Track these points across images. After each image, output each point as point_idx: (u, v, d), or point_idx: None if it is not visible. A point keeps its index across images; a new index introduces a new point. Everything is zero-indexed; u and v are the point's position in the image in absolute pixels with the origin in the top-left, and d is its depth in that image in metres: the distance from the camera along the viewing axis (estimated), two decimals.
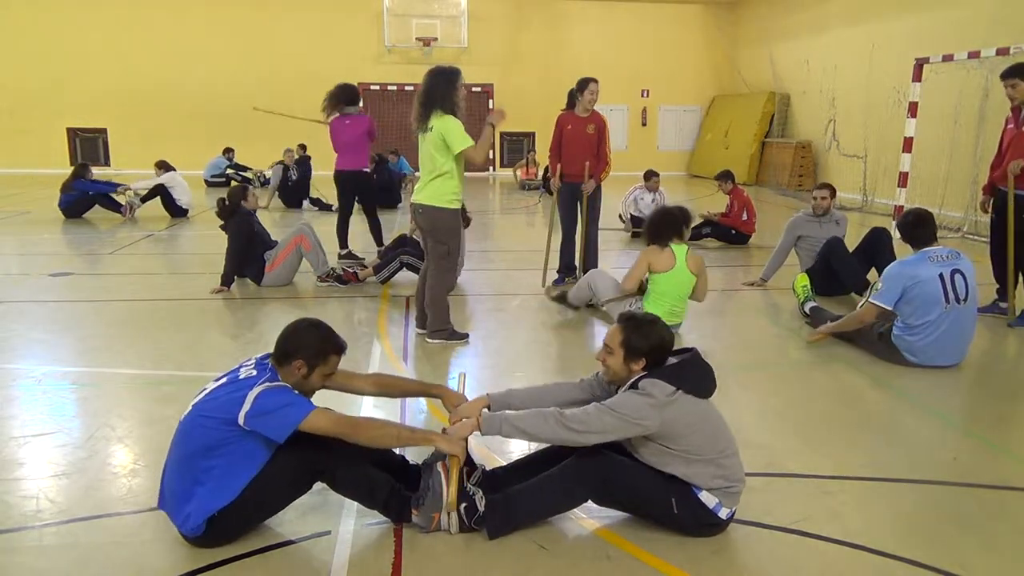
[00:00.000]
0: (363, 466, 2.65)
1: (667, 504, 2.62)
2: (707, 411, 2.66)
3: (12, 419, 3.71)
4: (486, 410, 2.77)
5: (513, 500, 2.65)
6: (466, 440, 2.72)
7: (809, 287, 5.74)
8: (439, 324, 4.99)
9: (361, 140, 7.63)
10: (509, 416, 2.64)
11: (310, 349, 2.65)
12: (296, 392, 2.60)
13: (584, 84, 6.34)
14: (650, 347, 2.66)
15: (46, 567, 2.49)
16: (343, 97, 7.53)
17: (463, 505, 2.62)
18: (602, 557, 2.56)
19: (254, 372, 2.62)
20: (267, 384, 2.54)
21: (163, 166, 11.34)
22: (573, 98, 6.49)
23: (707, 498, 2.62)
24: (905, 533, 2.75)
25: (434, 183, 4.77)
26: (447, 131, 4.64)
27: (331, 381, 2.80)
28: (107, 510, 2.85)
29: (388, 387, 3.08)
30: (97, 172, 14.69)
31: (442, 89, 4.69)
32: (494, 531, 2.62)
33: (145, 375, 4.40)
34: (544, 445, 2.85)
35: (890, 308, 4.59)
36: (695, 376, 2.66)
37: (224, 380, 2.65)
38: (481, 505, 2.62)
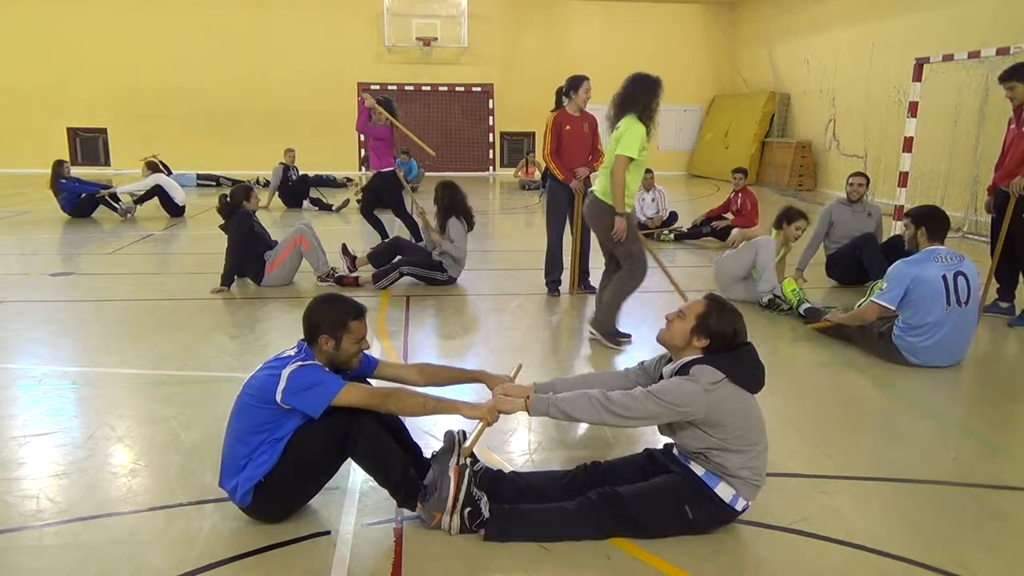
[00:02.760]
0: (386, 440, 2.72)
1: (682, 514, 2.62)
2: (750, 405, 2.67)
3: (12, 419, 3.71)
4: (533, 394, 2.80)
5: (520, 517, 2.65)
6: (497, 412, 2.76)
7: (798, 290, 5.74)
8: (606, 326, 5.06)
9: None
10: (556, 399, 2.68)
11: (329, 323, 2.76)
12: (327, 369, 2.72)
13: (578, 83, 6.30)
14: (721, 332, 2.68)
15: (46, 567, 2.49)
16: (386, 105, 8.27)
17: (467, 510, 2.62)
18: (602, 557, 2.56)
19: (292, 352, 2.76)
20: (300, 363, 2.66)
21: (152, 167, 11.34)
22: (561, 97, 6.47)
23: (723, 490, 2.63)
24: (905, 533, 2.75)
25: (602, 181, 4.92)
26: (625, 133, 4.75)
27: (380, 372, 3.00)
28: (107, 510, 2.85)
29: (433, 376, 3.14)
30: (97, 172, 14.76)
31: (639, 95, 4.77)
32: (492, 537, 2.62)
33: (145, 375, 4.40)
34: (552, 467, 2.93)
35: (893, 308, 4.58)
36: (746, 368, 2.67)
37: (270, 360, 2.79)
38: (486, 511, 2.62)
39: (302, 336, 2.82)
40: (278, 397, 2.60)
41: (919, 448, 3.54)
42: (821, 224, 6.76)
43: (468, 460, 2.73)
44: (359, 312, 2.83)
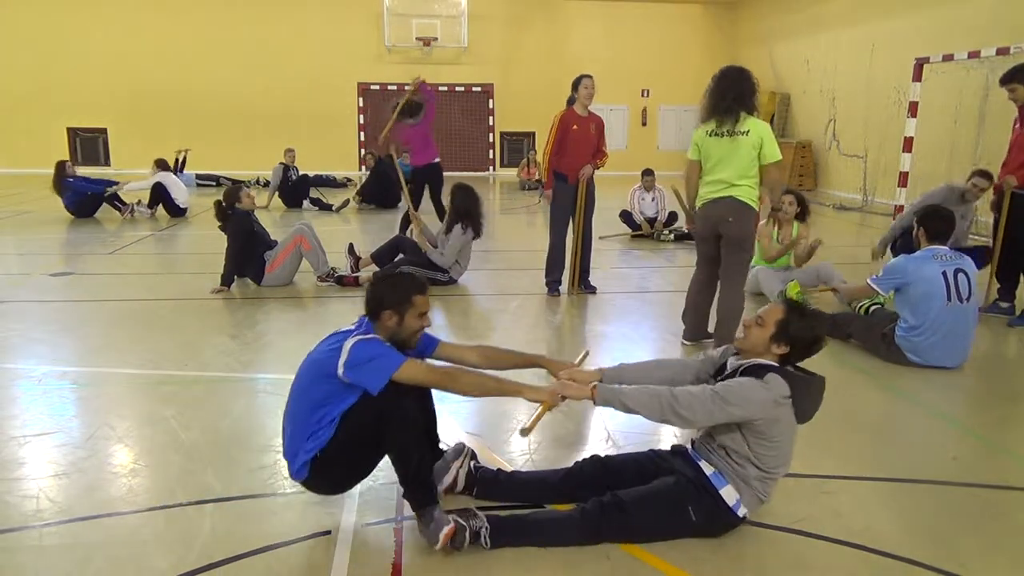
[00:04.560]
0: (419, 434, 2.67)
1: (685, 517, 2.61)
2: (792, 433, 2.66)
3: (12, 419, 3.71)
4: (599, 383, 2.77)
5: (518, 528, 2.62)
6: (559, 397, 2.74)
7: (802, 292, 5.74)
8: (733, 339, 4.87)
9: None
10: (623, 392, 2.64)
11: (393, 297, 2.74)
12: (388, 344, 2.70)
13: (578, 80, 6.31)
14: (803, 339, 2.64)
15: (46, 567, 2.49)
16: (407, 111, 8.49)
17: (465, 534, 2.55)
18: (602, 557, 2.55)
19: (352, 327, 2.76)
20: (361, 336, 2.66)
21: (161, 165, 11.35)
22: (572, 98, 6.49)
23: (728, 493, 2.62)
24: (905, 533, 2.75)
25: (747, 186, 4.59)
26: (768, 138, 4.54)
27: (441, 352, 2.98)
28: (107, 510, 2.85)
29: (494, 359, 3.12)
30: (97, 172, 14.74)
31: (749, 90, 4.54)
32: (492, 547, 2.58)
33: (145, 375, 4.40)
34: (552, 467, 2.95)
35: (883, 294, 4.76)
36: (810, 400, 2.64)
37: (329, 336, 2.79)
38: (486, 539, 2.56)
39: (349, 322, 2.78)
40: (339, 371, 2.58)
41: (919, 448, 3.54)
42: (925, 199, 6.31)
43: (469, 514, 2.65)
44: (423, 286, 2.81)
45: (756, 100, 4.57)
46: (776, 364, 2.64)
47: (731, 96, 4.50)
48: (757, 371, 2.60)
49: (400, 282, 2.81)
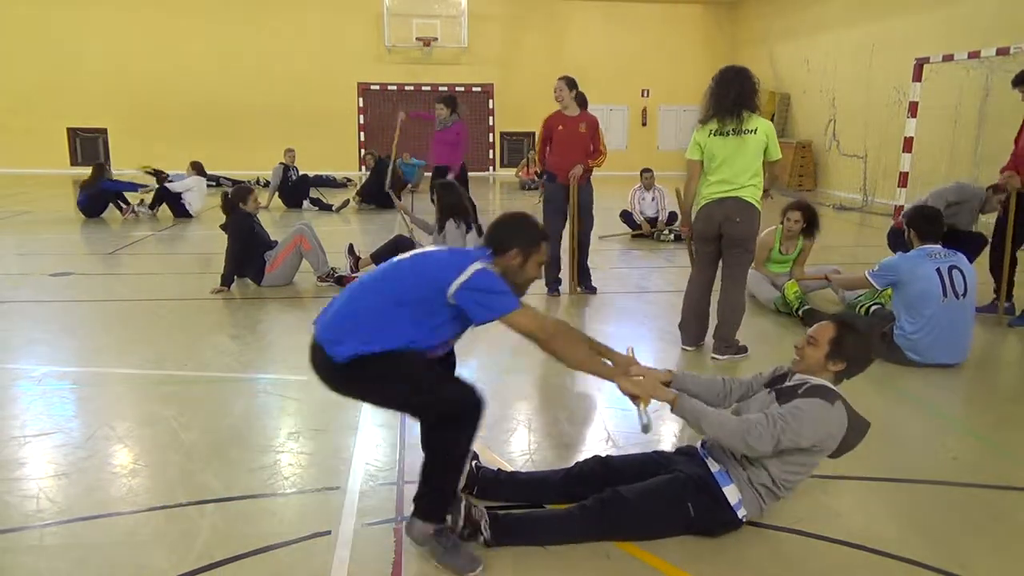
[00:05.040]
0: (471, 441, 2.52)
1: (684, 512, 2.61)
2: (817, 462, 2.68)
3: (12, 419, 3.70)
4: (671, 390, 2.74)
5: (519, 527, 2.63)
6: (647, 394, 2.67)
7: (800, 293, 5.73)
8: (734, 340, 4.78)
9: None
10: (699, 409, 2.61)
11: (525, 238, 2.65)
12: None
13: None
14: (856, 356, 2.68)
15: (46, 567, 2.49)
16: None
17: (467, 531, 2.55)
18: (602, 556, 2.55)
19: (473, 249, 2.67)
20: (489, 265, 2.55)
21: (197, 168, 11.43)
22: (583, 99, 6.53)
23: (731, 493, 2.62)
24: (905, 533, 2.75)
25: (753, 186, 4.56)
26: (773, 137, 4.55)
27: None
28: (107, 510, 2.85)
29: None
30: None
31: (750, 89, 4.51)
32: (492, 544, 2.58)
33: (145, 375, 4.40)
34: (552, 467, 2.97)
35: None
36: (854, 439, 2.66)
37: (449, 248, 2.70)
38: (486, 532, 2.55)
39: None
40: (451, 288, 2.45)
41: (920, 448, 3.54)
42: (954, 192, 6.31)
43: (473, 463, 2.67)
44: (547, 237, 2.78)
45: (758, 99, 4.56)
46: (837, 390, 2.64)
47: (733, 95, 4.47)
48: (825, 394, 2.59)
49: (533, 225, 2.72)
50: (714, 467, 2.68)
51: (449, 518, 2.51)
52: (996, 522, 2.86)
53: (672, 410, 2.66)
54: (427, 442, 2.58)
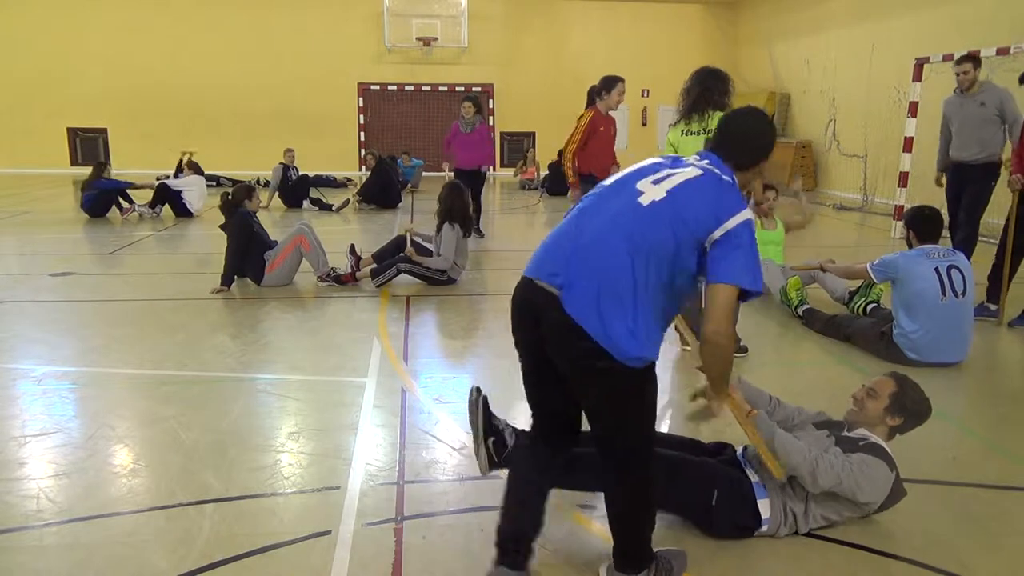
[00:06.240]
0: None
1: (707, 497, 2.60)
2: (849, 516, 2.71)
3: (12, 419, 3.70)
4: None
5: (571, 463, 2.59)
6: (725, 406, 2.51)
7: (802, 290, 5.74)
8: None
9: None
10: (779, 434, 2.59)
11: (768, 147, 2.26)
12: None
13: (611, 83, 6.22)
14: (915, 411, 2.77)
15: (46, 567, 2.49)
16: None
17: (492, 439, 2.57)
18: (604, 556, 2.55)
19: (726, 178, 2.14)
20: (751, 215, 2.10)
21: (194, 167, 11.48)
22: (593, 96, 6.46)
23: (764, 506, 2.63)
24: (905, 533, 2.75)
25: None
26: None
27: None
28: (107, 510, 2.85)
29: None
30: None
31: (717, 88, 4.52)
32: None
33: (145, 375, 4.40)
34: None
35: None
36: (887, 503, 2.71)
37: (694, 171, 2.12)
38: (511, 440, 2.58)
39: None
40: (717, 233, 2.00)
41: (919, 448, 3.53)
42: (942, 123, 6.66)
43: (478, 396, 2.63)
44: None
45: (728, 98, 4.53)
46: (893, 458, 2.70)
47: (695, 94, 4.54)
48: (888, 460, 2.67)
49: (772, 126, 2.30)
50: (753, 477, 2.68)
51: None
52: (996, 522, 2.86)
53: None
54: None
